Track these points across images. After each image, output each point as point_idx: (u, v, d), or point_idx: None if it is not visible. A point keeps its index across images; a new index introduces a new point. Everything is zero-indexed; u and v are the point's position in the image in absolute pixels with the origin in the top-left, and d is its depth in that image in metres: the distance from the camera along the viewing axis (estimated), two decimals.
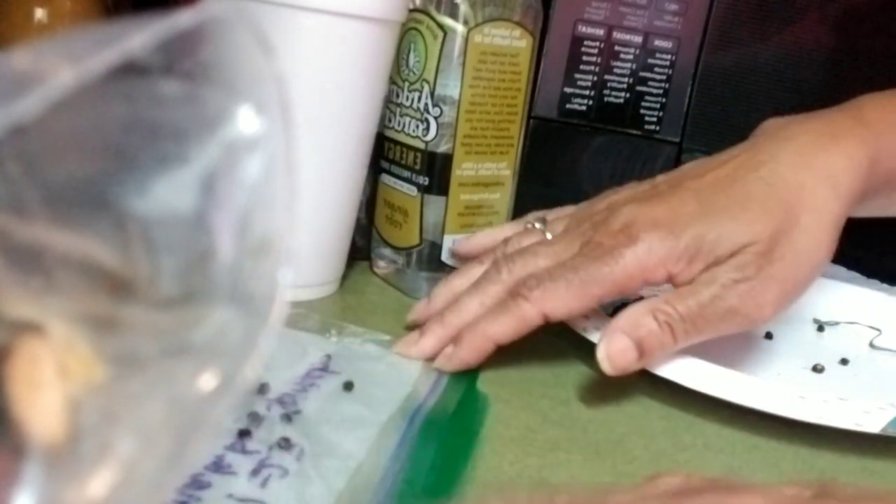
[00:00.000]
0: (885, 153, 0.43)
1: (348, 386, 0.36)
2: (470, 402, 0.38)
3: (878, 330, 0.53)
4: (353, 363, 0.39)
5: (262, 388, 0.35)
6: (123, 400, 0.19)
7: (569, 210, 0.48)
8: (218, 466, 0.29)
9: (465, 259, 0.49)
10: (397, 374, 0.39)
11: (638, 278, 0.40)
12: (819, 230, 0.41)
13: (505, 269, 0.42)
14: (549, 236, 0.45)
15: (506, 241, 0.46)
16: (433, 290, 0.45)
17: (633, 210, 0.41)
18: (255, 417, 0.32)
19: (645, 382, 0.41)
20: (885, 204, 0.48)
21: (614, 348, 0.39)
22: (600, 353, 0.39)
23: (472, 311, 0.41)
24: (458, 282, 0.44)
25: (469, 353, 0.40)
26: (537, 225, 0.46)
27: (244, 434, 0.31)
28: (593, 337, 0.41)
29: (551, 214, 0.48)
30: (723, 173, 0.43)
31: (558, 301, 0.40)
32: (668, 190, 0.43)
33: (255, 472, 0.29)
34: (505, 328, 0.40)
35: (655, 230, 0.40)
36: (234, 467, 0.29)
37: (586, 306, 0.41)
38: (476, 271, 0.44)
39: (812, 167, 0.42)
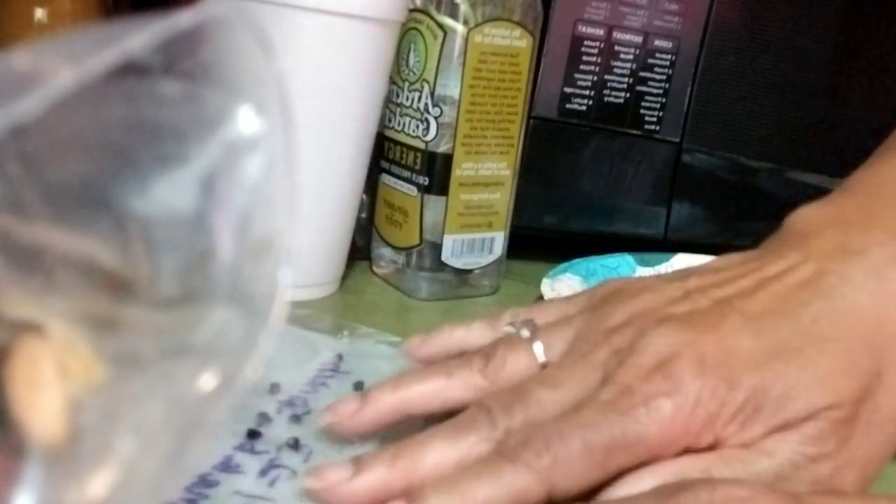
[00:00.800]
0: None
1: (358, 386, 0.36)
2: None
3: None
4: (364, 363, 0.39)
5: (273, 389, 0.35)
6: (123, 400, 0.19)
7: (558, 308, 0.35)
8: (226, 466, 0.29)
9: (419, 361, 0.36)
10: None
11: (678, 443, 0.29)
12: None
13: (500, 420, 0.29)
14: (540, 352, 0.33)
15: (486, 356, 0.33)
16: (374, 388, 0.32)
17: (671, 338, 0.30)
18: (264, 418, 0.32)
19: None
20: None
21: None
22: None
23: (436, 463, 0.28)
24: (412, 391, 0.32)
25: None
26: (524, 332, 0.33)
27: (253, 435, 0.31)
28: None
29: (540, 314, 0.35)
30: (780, 292, 0.32)
31: (572, 473, 0.28)
32: (713, 309, 0.31)
33: (263, 472, 0.29)
34: (492, 495, 0.27)
35: (703, 375, 0.29)
36: (243, 467, 0.29)
37: (606, 477, 0.28)
38: (441, 385, 0.32)
39: (891, 292, 0.32)
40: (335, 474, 0.28)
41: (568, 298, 0.37)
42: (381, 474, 0.28)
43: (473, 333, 0.36)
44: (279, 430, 0.32)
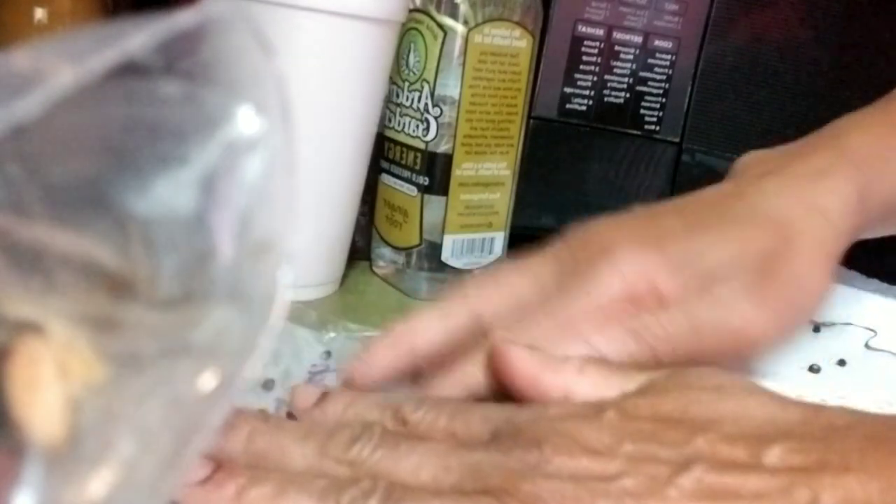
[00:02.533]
0: (874, 188, 0.40)
1: (325, 395, 0.36)
2: None
3: (874, 331, 0.53)
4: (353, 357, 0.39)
5: (267, 385, 0.35)
6: (123, 400, 0.19)
7: (512, 285, 0.36)
8: None
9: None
10: None
11: (625, 300, 0.34)
12: (817, 259, 0.37)
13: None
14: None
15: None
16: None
17: (612, 233, 0.36)
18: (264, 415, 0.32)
19: None
20: (881, 231, 0.44)
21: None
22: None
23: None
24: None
25: None
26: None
27: None
28: None
29: (488, 292, 0.36)
30: (706, 201, 0.39)
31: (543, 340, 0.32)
32: (650, 217, 0.38)
33: None
34: None
35: (638, 246, 0.35)
36: None
37: (570, 346, 0.32)
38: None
39: (801, 199, 0.38)
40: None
41: (520, 271, 0.37)
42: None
43: (424, 330, 0.36)
44: None
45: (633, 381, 0.29)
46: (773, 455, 0.24)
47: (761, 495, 0.23)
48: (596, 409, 0.27)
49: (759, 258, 0.36)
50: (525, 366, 0.30)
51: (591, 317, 0.33)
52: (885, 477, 0.23)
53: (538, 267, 0.36)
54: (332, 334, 0.41)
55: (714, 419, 0.25)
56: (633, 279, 0.34)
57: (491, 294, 0.36)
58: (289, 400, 0.31)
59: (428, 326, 0.35)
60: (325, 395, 0.30)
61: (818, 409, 0.26)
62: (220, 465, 0.25)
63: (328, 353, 0.39)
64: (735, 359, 0.35)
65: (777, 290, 0.35)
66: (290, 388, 0.33)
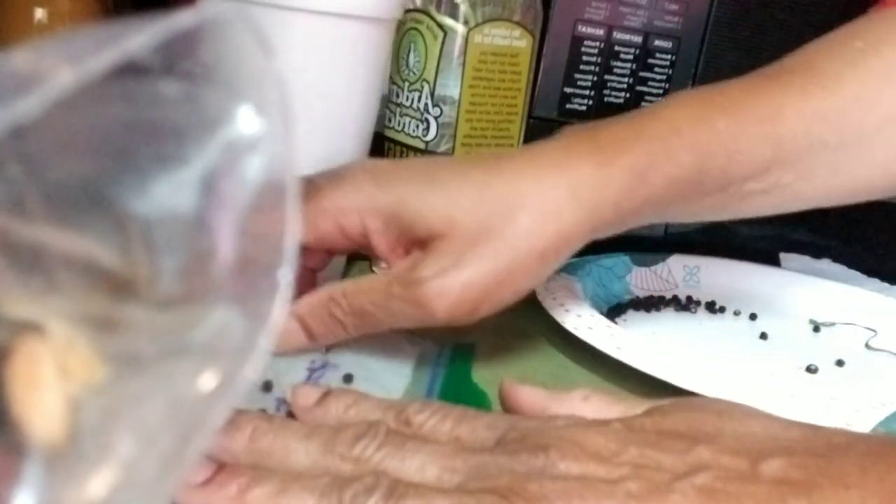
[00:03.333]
0: (659, 165, 0.38)
1: (348, 378, 0.37)
2: (468, 398, 0.38)
3: (874, 331, 0.53)
4: (350, 355, 0.39)
5: (266, 386, 0.35)
6: (123, 400, 0.19)
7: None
8: None
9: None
10: (396, 366, 0.39)
11: (331, 216, 0.36)
12: (538, 236, 0.35)
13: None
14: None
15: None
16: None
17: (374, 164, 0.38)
18: None
19: (641, 381, 0.41)
20: (672, 212, 0.41)
21: (283, 330, 0.34)
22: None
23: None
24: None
25: None
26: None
27: None
28: (566, 322, 0.42)
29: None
30: (477, 157, 0.39)
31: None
32: (430, 158, 0.41)
33: None
34: None
35: (367, 175, 0.36)
36: None
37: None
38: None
39: (560, 169, 0.37)
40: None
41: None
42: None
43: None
44: None
45: (637, 408, 0.29)
46: (774, 467, 0.24)
47: None
48: (601, 422, 0.27)
49: (468, 229, 0.35)
50: (533, 399, 0.31)
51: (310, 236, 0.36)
52: (884, 493, 0.23)
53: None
54: None
55: (716, 434, 0.25)
56: (347, 209, 0.36)
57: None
58: (289, 399, 0.31)
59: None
60: (326, 395, 0.30)
61: (818, 428, 0.26)
62: (221, 466, 0.25)
63: (325, 349, 0.39)
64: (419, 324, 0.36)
65: (476, 268, 0.35)
66: (290, 387, 0.33)
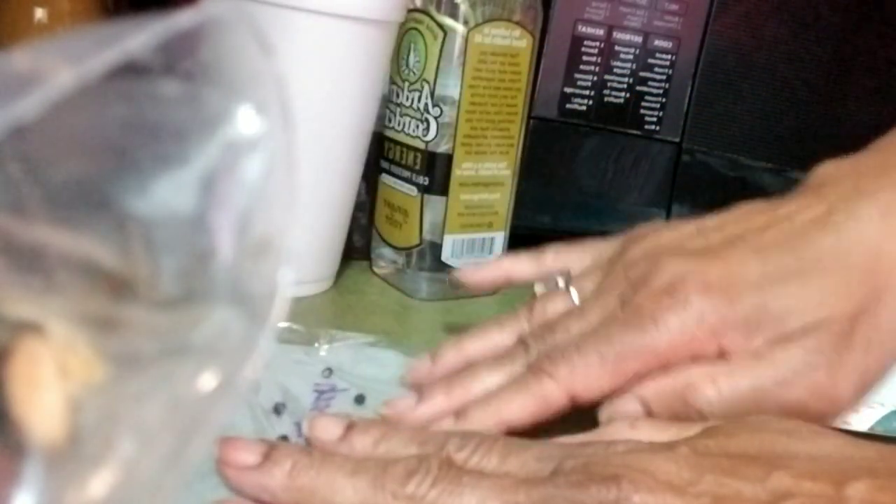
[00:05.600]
0: None
1: (360, 399, 0.36)
2: None
3: None
4: (355, 373, 0.38)
5: (277, 409, 0.34)
6: (123, 400, 0.19)
7: (594, 249, 0.40)
8: None
9: (472, 288, 0.43)
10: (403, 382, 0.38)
11: (684, 350, 0.33)
12: None
13: (533, 347, 0.35)
14: (575, 297, 0.37)
15: (530, 307, 0.38)
16: (440, 349, 0.37)
17: (681, 266, 0.33)
18: (286, 441, 0.31)
19: None
20: None
21: (622, 411, 0.33)
22: (604, 412, 0.33)
23: (485, 388, 0.34)
24: (471, 346, 0.37)
25: (474, 428, 0.32)
26: (560, 282, 0.38)
27: None
28: None
29: (573, 255, 0.40)
30: (789, 229, 0.35)
31: (589, 380, 0.32)
32: (723, 243, 0.35)
33: None
34: (522, 410, 0.32)
35: (708, 293, 0.33)
36: None
37: (621, 383, 0.33)
38: (494, 337, 0.37)
39: (890, 240, 0.34)
40: (403, 403, 0.34)
41: (604, 241, 0.40)
42: (439, 402, 0.34)
43: (519, 265, 0.41)
44: None
45: (688, 430, 0.27)
46: (860, 490, 0.22)
47: None
48: (666, 446, 0.25)
49: (842, 319, 0.33)
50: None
51: (643, 359, 0.33)
52: None
53: (598, 297, 0.36)
54: (326, 347, 0.40)
55: (790, 456, 0.24)
56: (702, 336, 0.33)
57: (550, 332, 0.35)
58: (306, 432, 0.30)
59: (526, 266, 0.40)
60: (350, 428, 0.29)
61: (891, 445, 0.25)
62: None
63: (329, 371, 0.38)
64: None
65: (859, 356, 0.33)
66: (302, 412, 0.32)
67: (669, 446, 0.25)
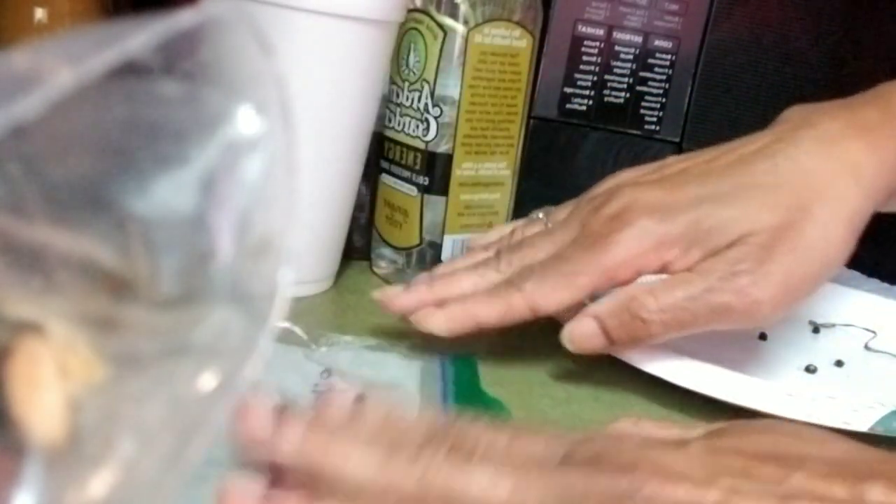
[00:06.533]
0: None
1: (360, 399, 0.36)
2: (483, 408, 0.37)
3: (873, 332, 0.53)
4: (354, 374, 0.38)
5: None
6: (123, 400, 0.19)
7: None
8: None
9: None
10: (402, 385, 0.38)
11: (630, 266, 0.38)
12: (834, 224, 0.37)
13: (505, 259, 0.41)
14: (549, 225, 0.43)
15: (512, 232, 0.44)
16: (436, 268, 0.44)
17: (629, 195, 0.39)
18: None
19: (643, 381, 0.41)
20: None
21: (579, 331, 0.38)
22: (564, 332, 0.38)
23: (462, 288, 0.40)
24: (460, 263, 0.43)
25: (448, 321, 0.39)
26: (540, 215, 0.45)
27: None
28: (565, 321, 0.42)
29: (559, 207, 0.46)
30: (733, 158, 0.40)
31: (548, 293, 0.38)
32: (671, 176, 0.40)
33: None
34: (490, 311, 0.39)
35: (648, 216, 0.38)
36: None
37: (576, 297, 0.39)
38: (479, 255, 0.43)
39: (833, 156, 0.38)
40: (392, 291, 0.41)
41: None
42: (422, 292, 0.40)
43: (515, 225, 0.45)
44: None
45: (693, 431, 0.27)
46: (875, 493, 0.22)
47: None
48: (677, 443, 0.25)
49: (770, 231, 0.37)
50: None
51: (594, 275, 0.38)
52: None
53: (564, 226, 0.41)
54: (325, 349, 0.40)
55: (802, 458, 0.24)
56: (644, 253, 0.38)
57: (523, 252, 0.41)
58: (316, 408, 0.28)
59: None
60: (361, 401, 0.28)
61: (888, 452, 0.25)
62: (274, 477, 0.23)
63: (328, 372, 0.38)
64: (734, 328, 0.38)
65: (783, 262, 0.37)
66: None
67: (681, 443, 0.25)
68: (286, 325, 0.40)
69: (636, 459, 0.23)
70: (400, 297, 0.40)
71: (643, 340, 0.39)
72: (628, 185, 0.40)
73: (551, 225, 0.43)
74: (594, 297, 0.41)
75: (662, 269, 0.39)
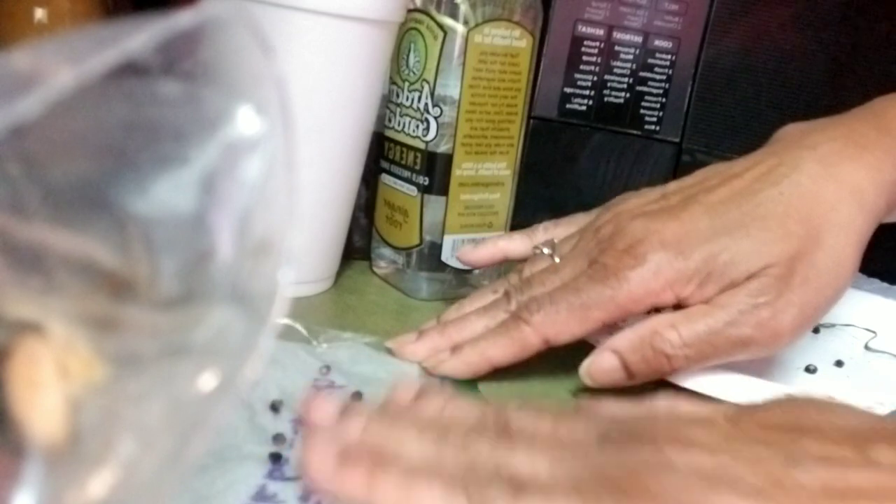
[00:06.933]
0: None
1: (357, 396, 0.36)
2: None
3: (873, 332, 0.53)
4: (352, 371, 0.38)
5: (275, 406, 0.34)
6: (123, 400, 0.19)
7: (578, 221, 0.45)
8: (262, 496, 0.28)
9: (470, 266, 0.49)
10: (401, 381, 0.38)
11: (644, 302, 0.38)
12: (843, 249, 0.39)
13: (514, 299, 0.41)
14: (557, 260, 0.43)
15: (519, 270, 0.44)
16: (444, 312, 0.44)
17: (641, 227, 0.39)
18: (281, 439, 0.31)
19: (643, 383, 0.41)
20: None
21: (599, 366, 0.38)
22: (583, 367, 0.39)
23: (474, 331, 0.41)
24: (469, 306, 0.43)
25: (463, 365, 0.39)
26: (545, 251, 0.44)
27: (276, 458, 0.30)
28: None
29: (560, 228, 0.46)
30: (739, 186, 0.40)
31: (559, 325, 0.38)
32: (679, 204, 0.40)
33: (304, 498, 0.28)
34: (503, 350, 0.39)
35: (663, 250, 0.38)
36: (280, 495, 0.28)
37: (588, 330, 0.39)
38: (488, 296, 0.43)
39: (836, 179, 0.39)
40: (405, 339, 0.41)
41: (587, 212, 0.45)
42: (434, 339, 0.41)
43: (513, 243, 0.46)
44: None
45: (725, 409, 0.28)
46: (884, 454, 0.23)
47: (887, 492, 0.22)
48: (704, 417, 0.27)
49: (785, 263, 0.37)
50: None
51: (608, 310, 0.38)
52: None
53: (573, 257, 0.41)
54: (325, 345, 0.40)
55: (817, 426, 0.25)
56: (659, 289, 0.38)
57: (532, 286, 0.41)
58: (386, 394, 0.31)
59: (520, 244, 0.45)
60: (422, 394, 0.30)
61: None
62: (343, 450, 0.25)
63: (327, 368, 0.38)
64: (753, 357, 0.38)
65: (799, 292, 0.37)
66: (301, 402, 0.32)
67: (707, 417, 0.26)
68: (287, 321, 0.41)
69: (663, 431, 0.25)
70: (413, 346, 0.41)
71: (665, 375, 0.39)
72: (634, 217, 0.40)
73: (558, 260, 0.42)
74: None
75: (677, 304, 0.39)
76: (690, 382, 0.39)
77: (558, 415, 0.28)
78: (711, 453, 0.24)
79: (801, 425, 0.25)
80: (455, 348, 0.40)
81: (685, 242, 0.38)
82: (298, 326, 0.41)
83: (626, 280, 0.38)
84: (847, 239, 0.39)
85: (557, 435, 0.27)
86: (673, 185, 0.42)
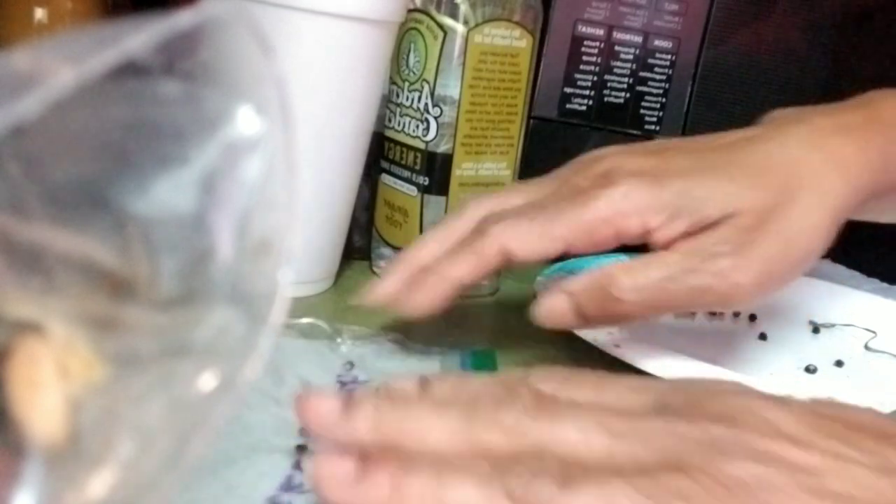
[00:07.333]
0: None
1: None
2: None
3: (874, 332, 0.53)
4: (375, 367, 0.39)
5: None
6: (123, 400, 0.19)
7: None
8: (289, 486, 0.29)
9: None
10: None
11: (610, 224, 0.36)
12: (818, 213, 0.37)
13: (472, 206, 0.39)
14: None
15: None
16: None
17: (619, 159, 0.38)
18: (306, 432, 0.31)
19: None
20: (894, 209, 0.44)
21: (551, 305, 0.37)
22: (536, 309, 0.37)
23: (429, 249, 0.38)
24: (435, 234, 0.41)
25: (425, 295, 0.37)
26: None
27: (302, 449, 0.30)
28: (601, 344, 0.41)
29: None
30: (724, 142, 0.39)
31: (520, 236, 0.36)
32: (661, 149, 0.39)
33: None
34: (462, 266, 0.37)
35: (639, 177, 0.37)
36: (307, 486, 0.28)
37: (550, 247, 0.37)
38: (456, 224, 0.40)
39: (823, 150, 0.38)
40: (367, 290, 0.39)
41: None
42: (395, 271, 0.39)
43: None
44: None
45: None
46: None
47: None
48: (779, 398, 0.24)
49: (754, 211, 0.36)
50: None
51: (572, 227, 0.36)
52: None
53: (541, 182, 0.39)
54: (348, 342, 0.41)
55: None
56: (627, 213, 0.36)
57: (491, 203, 0.39)
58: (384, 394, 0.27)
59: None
60: (425, 381, 0.27)
61: None
62: (363, 456, 0.23)
63: (351, 364, 0.39)
64: (710, 309, 0.38)
65: (765, 246, 0.36)
66: (295, 408, 0.32)
67: (782, 399, 0.24)
68: (310, 319, 0.42)
69: (737, 409, 0.23)
70: (379, 286, 0.38)
71: (618, 319, 0.37)
72: (618, 154, 0.39)
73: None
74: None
75: (642, 237, 0.37)
76: (653, 366, 0.39)
77: (599, 378, 0.25)
78: (797, 445, 0.21)
79: (883, 430, 0.23)
80: (415, 281, 0.37)
81: (663, 175, 0.37)
82: (322, 323, 0.41)
83: (595, 198, 0.36)
84: (824, 205, 0.37)
85: (602, 401, 0.24)
86: (662, 138, 0.43)
